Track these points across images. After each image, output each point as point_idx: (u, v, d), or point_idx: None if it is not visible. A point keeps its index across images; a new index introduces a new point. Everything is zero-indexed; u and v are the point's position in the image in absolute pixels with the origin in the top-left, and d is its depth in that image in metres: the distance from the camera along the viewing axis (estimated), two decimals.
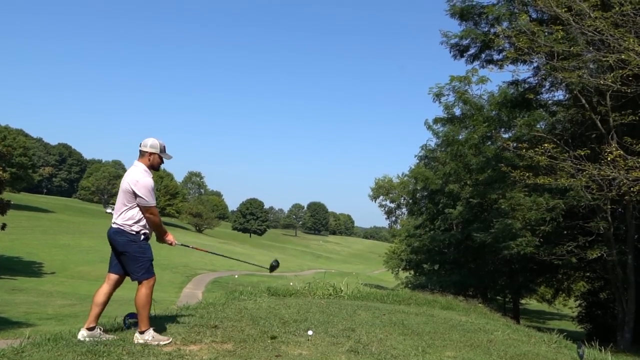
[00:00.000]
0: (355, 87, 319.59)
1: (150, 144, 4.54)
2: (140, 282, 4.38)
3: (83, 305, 25.79)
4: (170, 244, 4.78)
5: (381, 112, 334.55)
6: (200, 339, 4.64)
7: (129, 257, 4.38)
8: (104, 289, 4.46)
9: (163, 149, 4.62)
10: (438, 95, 28.49)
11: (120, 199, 4.47)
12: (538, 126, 20.81)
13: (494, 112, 24.96)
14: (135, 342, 4.30)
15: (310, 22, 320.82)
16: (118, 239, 4.41)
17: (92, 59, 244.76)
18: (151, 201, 4.41)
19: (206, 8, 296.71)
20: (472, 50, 19.90)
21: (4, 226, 33.34)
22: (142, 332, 4.32)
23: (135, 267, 4.37)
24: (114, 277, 4.51)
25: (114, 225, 4.47)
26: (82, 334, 4.35)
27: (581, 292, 28.45)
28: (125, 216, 4.41)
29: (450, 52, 20.21)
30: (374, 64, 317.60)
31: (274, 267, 5.57)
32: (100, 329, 4.47)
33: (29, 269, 39.63)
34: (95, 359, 3.83)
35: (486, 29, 18.86)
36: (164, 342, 4.34)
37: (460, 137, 27.41)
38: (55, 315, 21.26)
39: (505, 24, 17.33)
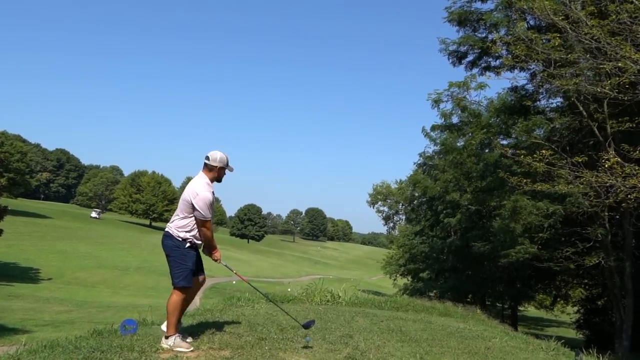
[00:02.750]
0: (353, 93, 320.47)
1: (219, 158, 4.63)
2: (174, 288, 4.50)
3: (80, 312, 25.68)
4: (215, 261, 4.81)
5: (380, 118, 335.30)
6: (198, 345, 4.63)
7: (171, 261, 4.52)
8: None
9: (227, 163, 4.71)
10: (436, 102, 28.64)
11: (179, 206, 4.59)
12: (536, 133, 20.89)
13: (492, 120, 25.08)
14: (162, 344, 4.44)
15: (309, 27, 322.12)
16: (165, 242, 4.55)
17: (90, 64, 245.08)
18: (207, 215, 4.49)
19: (205, 13, 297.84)
20: (470, 57, 20.03)
21: (0, 232, 33.27)
22: (167, 337, 4.46)
23: (175, 272, 4.49)
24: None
25: (165, 230, 4.62)
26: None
27: (580, 298, 28.46)
28: (178, 224, 4.53)
29: (448, 59, 20.34)
30: (372, 69, 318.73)
31: (308, 326, 5.25)
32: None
33: (26, 275, 39.52)
34: None
35: (484, 35, 18.98)
36: (184, 350, 4.42)
37: (460, 144, 27.50)
38: (51, 321, 21.18)
39: (503, 31, 17.43)
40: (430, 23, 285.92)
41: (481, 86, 28.73)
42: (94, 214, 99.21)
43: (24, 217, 66.07)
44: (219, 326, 5.52)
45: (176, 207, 4.71)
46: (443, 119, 28.60)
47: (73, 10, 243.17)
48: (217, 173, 4.64)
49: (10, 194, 62.34)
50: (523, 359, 5.54)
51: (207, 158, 4.63)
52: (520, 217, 18.45)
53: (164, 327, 4.63)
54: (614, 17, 11.02)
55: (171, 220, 4.62)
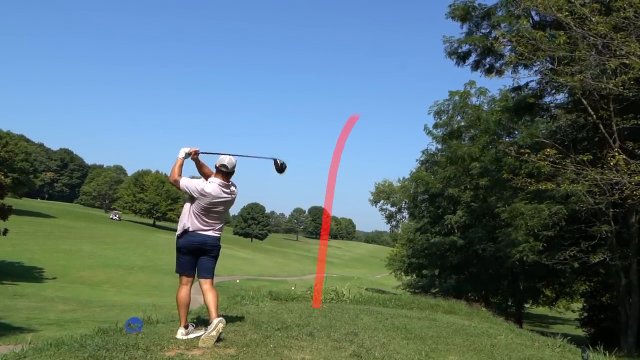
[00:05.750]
0: (356, 89, 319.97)
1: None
2: (212, 280, 4.92)
3: (84, 311, 25.75)
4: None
5: (383, 115, 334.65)
6: None
7: (215, 259, 5.01)
8: (187, 290, 4.92)
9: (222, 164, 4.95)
10: (438, 113, 28.98)
11: (223, 212, 4.99)
12: (539, 131, 20.84)
13: (496, 122, 25.12)
14: (215, 331, 4.51)
15: (314, 23, 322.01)
16: (219, 244, 5.01)
17: (94, 64, 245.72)
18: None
19: (207, 17, 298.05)
20: (473, 57, 19.89)
21: (5, 231, 33.37)
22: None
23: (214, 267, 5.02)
24: (191, 278, 5.01)
25: (216, 234, 4.95)
26: (182, 332, 4.81)
27: (584, 292, 28.30)
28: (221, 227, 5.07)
29: (452, 59, 20.18)
30: (375, 66, 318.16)
31: (280, 165, 5.16)
32: (192, 325, 5.09)
33: (31, 274, 39.64)
34: None
35: (487, 31, 18.89)
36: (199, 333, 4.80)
37: (464, 149, 27.55)
38: (56, 320, 21.23)
39: (506, 27, 17.35)
40: (431, 24, 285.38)
41: (482, 92, 29.00)
42: (114, 216, 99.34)
43: (28, 217, 66.26)
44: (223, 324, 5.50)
45: (180, 206, 4.88)
46: (447, 130, 28.94)
47: (78, 15, 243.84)
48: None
49: (15, 193, 62.50)
50: (529, 356, 5.51)
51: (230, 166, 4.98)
52: (521, 221, 18.42)
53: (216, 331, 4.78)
54: (620, 13, 10.96)
55: (218, 226, 4.98)
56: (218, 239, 4.97)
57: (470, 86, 28.87)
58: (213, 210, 4.87)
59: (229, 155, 4.94)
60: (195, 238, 4.84)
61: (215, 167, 4.94)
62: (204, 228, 4.86)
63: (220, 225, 4.98)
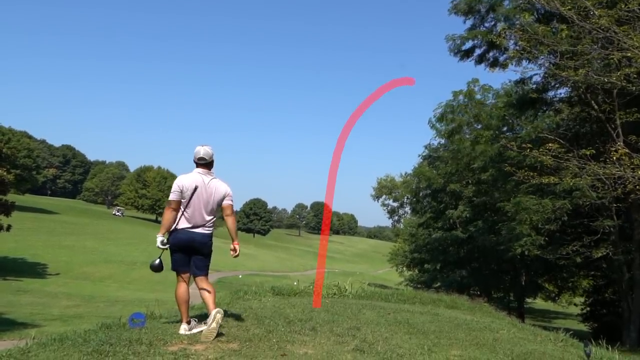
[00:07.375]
0: (357, 86, 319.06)
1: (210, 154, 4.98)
2: (206, 276, 4.97)
3: (88, 306, 25.86)
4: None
5: (384, 112, 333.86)
6: None
7: (207, 256, 5.00)
8: (185, 287, 4.92)
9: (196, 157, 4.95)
10: (443, 115, 28.84)
11: (209, 205, 4.87)
12: (543, 125, 20.76)
13: (498, 113, 25.02)
14: (215, 323, 4.53)
15: (316, 21, 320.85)
16: (209, 241, 4.96)
17: (96, 61, 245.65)
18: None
19: (209, 14, 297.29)
20: (477, 52, 19.73)
21: (9, 227, 33.48)
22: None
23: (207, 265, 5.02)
24: (188, 274, 4.97)
25: (205, 231, 4.87)
26: (184, 328, 4.79)
27: (586, 288, 28.35)
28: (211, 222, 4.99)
29: (457, 57, 19.99)
30: (375, 63, 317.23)
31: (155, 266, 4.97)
32: (195, 321, 5.05)
33: (34, 270, 39.77)
34: (102, 358, 3.82)
35: (492, 24, 18.76)
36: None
37: (467, 143, 27.51)
38: (60, 316, 21.34)
39: (513, 20, 17.24)
40: (432, 21, 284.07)
41: (485, 89, 28.88)
42: (117, 212, 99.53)
43: (31, 213, 66.44)
44: (226, 319, 5.52)
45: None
46: (449, 133, 28.91)
47: (80, 11, 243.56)
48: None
49: (18, 190, 62.70)
50: (531, 350, 5.51)
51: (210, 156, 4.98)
52: (525, 216, 18.36)
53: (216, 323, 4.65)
54: (622, 5, 10.89)
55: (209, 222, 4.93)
56: (208, 236, 4.89)
57: (473, 84, 28.79)
58: (198, 202, 4.79)
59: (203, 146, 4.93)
60: (184, 235, 4.78)
61: (194, 162, 4.92)
62: (191, 225, 4.80)
63: (210, 221, 4.88)
